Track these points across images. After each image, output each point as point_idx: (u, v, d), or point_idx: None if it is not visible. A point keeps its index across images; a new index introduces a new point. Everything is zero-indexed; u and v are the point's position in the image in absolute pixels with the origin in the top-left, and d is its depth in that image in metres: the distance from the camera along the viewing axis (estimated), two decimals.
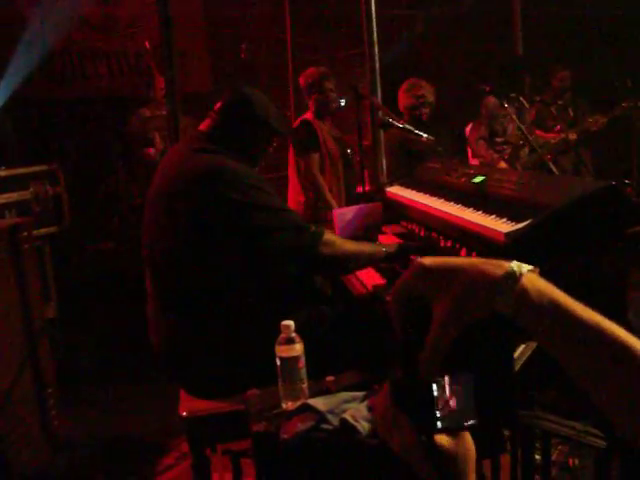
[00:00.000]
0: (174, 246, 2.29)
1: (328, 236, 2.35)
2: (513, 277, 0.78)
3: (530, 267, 0.80)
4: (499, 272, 0.79)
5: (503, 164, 4.99)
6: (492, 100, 5.13)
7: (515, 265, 0.80)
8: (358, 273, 2.59)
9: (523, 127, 3.98)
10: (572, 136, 5.25)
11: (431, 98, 4.70)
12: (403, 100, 4.73)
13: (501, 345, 0.86)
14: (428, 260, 0.83)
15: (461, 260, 0.83)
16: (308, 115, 4.45)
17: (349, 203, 3.59)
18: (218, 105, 2.49)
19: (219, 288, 2.28)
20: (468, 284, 0.80)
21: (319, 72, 4.38)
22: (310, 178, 4.26)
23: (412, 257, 2.54)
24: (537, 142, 5.09)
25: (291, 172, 4.47)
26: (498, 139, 5.16)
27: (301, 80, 4.46)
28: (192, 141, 2.47)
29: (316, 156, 4.24)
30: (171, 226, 2.30)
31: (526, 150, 4.86)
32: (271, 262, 2.32)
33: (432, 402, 0.80)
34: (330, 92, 4.33)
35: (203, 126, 2.49)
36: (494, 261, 0.81)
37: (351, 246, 2.45)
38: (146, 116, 5.53)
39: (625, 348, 0.73)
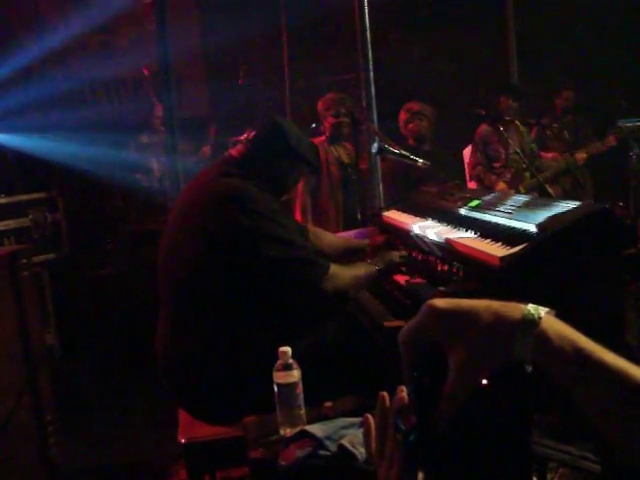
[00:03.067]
0: (185, 266, 2.33)
1: (333, 269, 2.33)
2: (532, 321, 0.76)
3: (546, 309, 0.78)
4: (516, 316, 0.76)
5: (502, 185, 5.03)
6: (483, 127, 5.18)
7: (532, 308, 0.77)
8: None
9: (519, 150, 4.02)
10: (581, 155, 5.29)
11: (426, 113, 4.76)
12: (401, 117, 4.82)
13: (519, 396, 0.84)
14: (440, 302, 0.79)
15: (475, 303, 0.79)
16: (322, 138, 4.50)
17: (349, 228, 3.60)
18: (252, 133, 2.53)
19: (225, 312, 2.30)
20: (485, 329, 0.77)
21: (336, 97, 4.50)
22: (297, 194, 4.33)
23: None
24: (542, 164, 5.15)
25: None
26: (495, 164, 5.20)
27: (319, 104, 4.58)
28: (220, 165, 2.51)
29: (312, 180, 4.26)
30: (184, 246, 2.34)
31: (528, 173, 4.89)
32: (275, 292, 2.33)
33: (447, 455, 0.77)
34: (343, 117, 4.38)
35: (234, 152, 2.53)
36: (510, 304, 0.78)
37: (350, 274, 2.45)
38: (144, 142, 5.57)
39: None
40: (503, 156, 5.13)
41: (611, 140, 5.09)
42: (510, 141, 3.91)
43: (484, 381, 0.78)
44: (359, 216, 4.13)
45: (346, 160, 4.45)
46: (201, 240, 2.29)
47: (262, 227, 2.25)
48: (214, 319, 2.31)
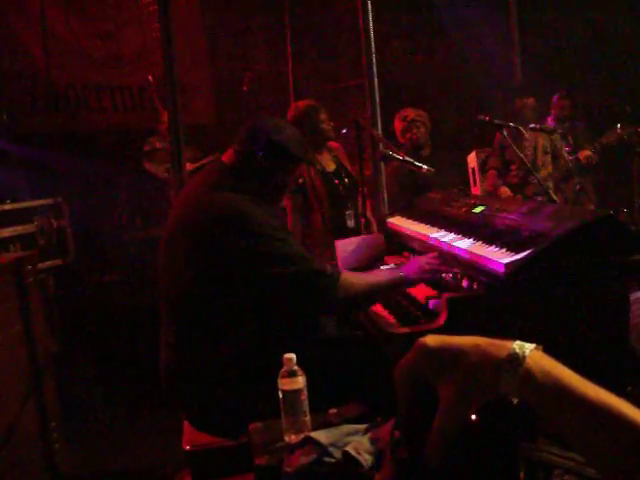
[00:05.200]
0: (185, 281, 2.27)
1: (344, 277, 2.26)
2: (517, 359, 0.78)
3: (533, 346, 0.80)
4: (502, 354, 0.79)
5: (504, 189, 5.05)
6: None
7: (518, 346, 0.80)
8: None
9: (522, 154, 4.02)
10: (585, 153, 5.30)
11: (422, 119, 4.75)
12: (396, 127, 4.82)
13: (506, 431, 0.86)
14: (430, 340, 0.83)
15: (464, 341, 0.83)
16: None
17: (339, 237, 3.42)
18: (241, 137, 2.38)
19: (228, 323, 2.28)
20: (472, 368, 0.80)
21: (307, 105, 4.07)
22: (288, 218, 3.98)
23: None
24: (562, 166, 5.17)
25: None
26: (512, 167, 5.21)
27: (289, 114, 4.11)
28: (213, 174, 2.39)
29: (299, 198, 3.95)
30: (183, 262, 2.27)
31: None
32: (286, 305, 2.31)
33: None
34: (322, 124, 3.99)
35: (225, 158, 2.40)
36: (497, 342, 0.81)
37: (367, 282, 2.36)
38: (156, 147, 5.58)
39: (633, 426, 0.73)
40: (516, 159, 5.15)
41: (618, 129, 5.09)
42: (514, 147, 3.90)
43: (473, 416, 0.82)
44: (349, 224, 3.99)
45: (329, 167, 4.12)
46: (195, 261, 2.23)
47: (260, 247, 2.18)
48: (215, 330, 2.28)
